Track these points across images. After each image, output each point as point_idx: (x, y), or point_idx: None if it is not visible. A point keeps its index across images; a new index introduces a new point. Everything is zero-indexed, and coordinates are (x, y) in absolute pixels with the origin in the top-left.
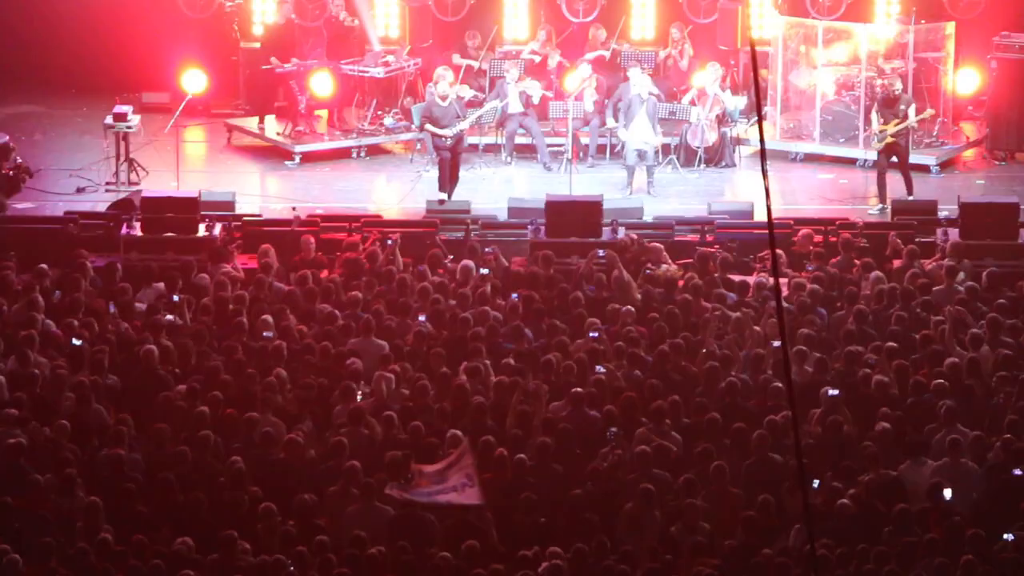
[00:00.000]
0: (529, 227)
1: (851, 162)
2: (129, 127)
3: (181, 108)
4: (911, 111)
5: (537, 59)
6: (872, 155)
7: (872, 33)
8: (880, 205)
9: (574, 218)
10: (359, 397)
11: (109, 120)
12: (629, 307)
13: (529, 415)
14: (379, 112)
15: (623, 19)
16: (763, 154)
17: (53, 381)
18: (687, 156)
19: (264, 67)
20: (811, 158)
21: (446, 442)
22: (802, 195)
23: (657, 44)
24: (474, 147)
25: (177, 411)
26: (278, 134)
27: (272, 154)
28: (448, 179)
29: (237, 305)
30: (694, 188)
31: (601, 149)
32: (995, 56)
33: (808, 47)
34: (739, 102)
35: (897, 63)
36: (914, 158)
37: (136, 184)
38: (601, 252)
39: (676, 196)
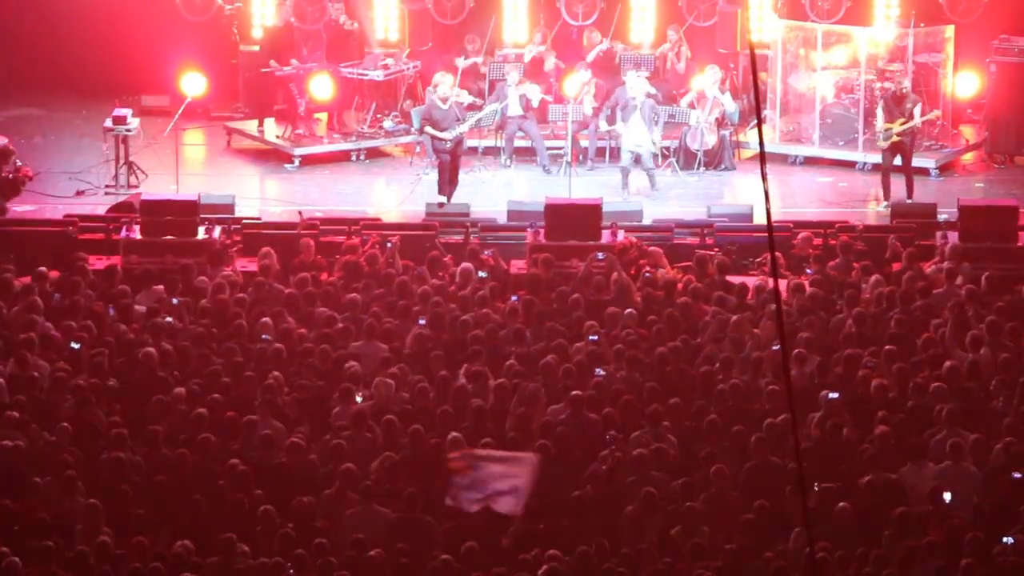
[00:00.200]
0: (528, 230)
1: (850, 165)
2: (128, 130)
3: (180, 111)
4: (916, 111)
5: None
6: (871, 158)
7: (871, 36)
8: (885, 203)
9: (573, 221)
10: (359, 399)
11: (109, 123)
12: (631, 310)
13: (528, 418)
14: (378, 115)
15: (615, 19)
16: (762, 157)
17: (53, 384)
18: (686, 159)
19: (263, 70)
20: (810, 161)
21: (447, 445)
22: (801, 198)
23: (655, 47)
24: (473, 150)
25: (176, 414)
26: (277, 137)
27: (271, 157)
28: (448, 182)
29: (236, 308)
30: (693, 191)
31: (600, 152)
32: (994, 59)
33: (807, 50)
34: (738, 105)
35: (897, 66)
36: (914, 161)
37: (136, 187)
38: (600, 255)
39: (675, 199)
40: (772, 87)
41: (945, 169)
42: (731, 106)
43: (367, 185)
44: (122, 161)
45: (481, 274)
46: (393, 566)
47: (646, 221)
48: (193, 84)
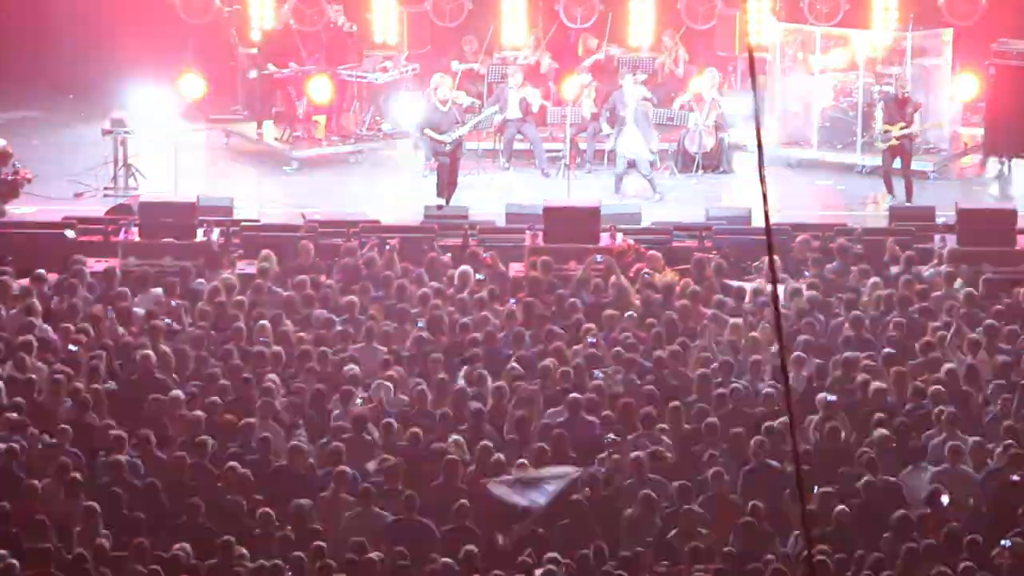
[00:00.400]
0: (527, 232)
1: (849, 168)
2: (127, 132)
3: (179, 113)
4: (917, 117)
5: (532, 60)
6: (869, 161)
7: (870, 39)
8: (890, 197)
9: (572, 224)
10: (359, 402)
11: (107, 125)
12: (631, 312)
13: (526, 420)
14: (377, 118)
15: (608, 22)
16: (760, 160)
17: (51, 386)
18: (685, 162)
19: (262, 72)
20: (809, 164)
21: (447, 447)
22: (800, 201)
23: (654, 50)
24: (472, 152)
25: (174, 416)
26: (276, 139)
27: (270, 159)
28: (446, 184)
29: (235, 310)
30: (692, 194)
31: (599, 155)
32: (993, 62)
33: (806, 53)
34: (736, 108)
35: (896, 69)
36: (912, 164)
37: (134, 189)
38: (599, 257)
39: (674, 202)
40: (770, 90)
41: (943, 172)
42: (729, 109)
43: (365, 188)
44: (120, 163)
45: (479, 276)
46: (391, 569)
47: (644, 224)
48: (192, 86)
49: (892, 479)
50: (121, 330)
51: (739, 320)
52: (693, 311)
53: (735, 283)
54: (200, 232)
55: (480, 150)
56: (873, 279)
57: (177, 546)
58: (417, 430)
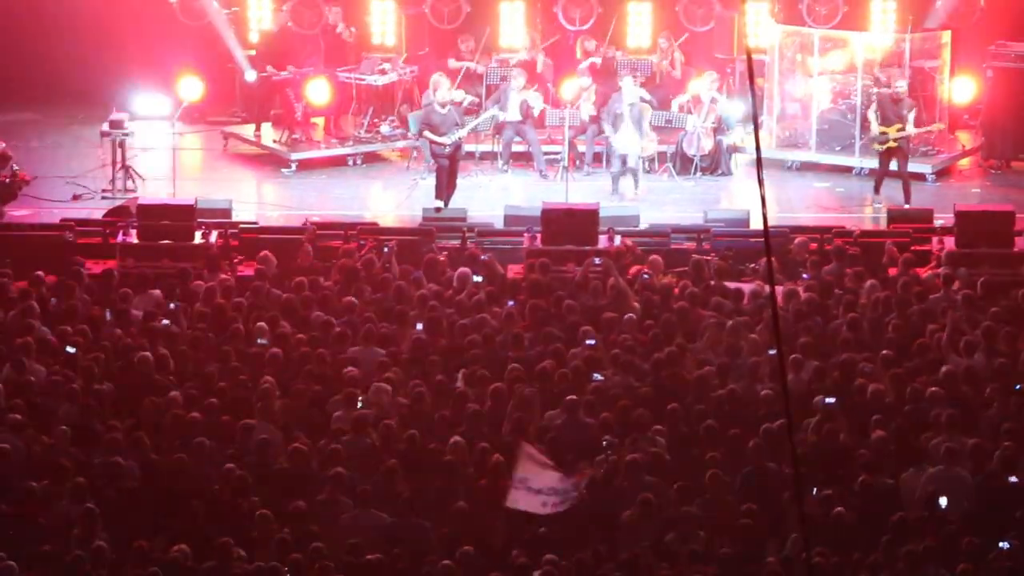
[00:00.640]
0: (525, 234)
1: (847, 170)
2: (125, 134)
3: (177, 115)
4: (911, 116)
5: (527, 57)
6: (867, 163)
7: (868, 41)
8: (876, 198)
9: (570, 226)
10: (359, 404)
11: (105, 127)
12: (630, 315)
13: (525, 422)
14: (375, 120)
15: (612, 25)
16: (759, 162)
17: (49, 388)
18: (683, 164)
19: (260, 74)
20: (807, 166)
21: (447, 449)
22: (798, 203)
23: (652, 52)
24: (471, 155)
25: (173, 418)
26: (274, 141)
27: (268, 161)
28: (445, 186)
29: (233, 312)
30: (690, 196)
31: (597, 157)
32: (991, 65)
33: (804, 55)
34: (735, 110)
35: (894, 71)
36: (910, 166)
37: (132, 191)
38: (597, 260)
39: (672, 204)
40: (769, 92)
41: (941, 174)
42: (728, 111)
43: (364, 190)
44: (119, 165)
45: (477, 278)
46: (389, 571)
47: (643, 226)
48: (190, 88)
49: (890, 481)
50: (119, 332)
51: (737, 322)
52: (691, 313)
53: (733, 285)
54: (198, 234)
55: (479, 152)
56: (871, 281)
57: (176, 548)
58: (415, 432)
